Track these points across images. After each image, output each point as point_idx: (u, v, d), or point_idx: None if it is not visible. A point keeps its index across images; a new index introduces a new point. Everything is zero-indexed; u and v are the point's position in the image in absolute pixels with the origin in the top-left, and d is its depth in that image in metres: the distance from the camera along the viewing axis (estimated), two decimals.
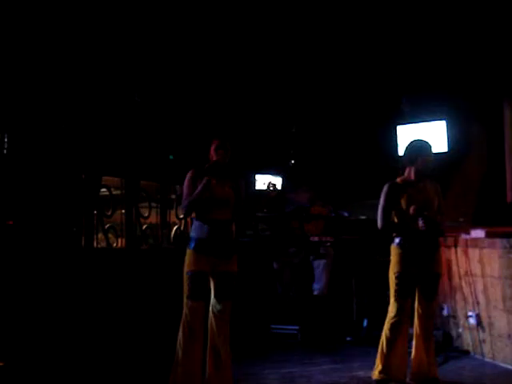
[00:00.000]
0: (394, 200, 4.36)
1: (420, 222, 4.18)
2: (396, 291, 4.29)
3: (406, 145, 4.48)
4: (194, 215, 4.16)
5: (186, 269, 4.05)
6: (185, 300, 4.02)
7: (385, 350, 4.32)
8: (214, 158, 4.14)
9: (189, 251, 4.06)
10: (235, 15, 6.21)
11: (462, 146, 7.05)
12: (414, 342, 4.40)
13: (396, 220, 4.37)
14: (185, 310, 4.02)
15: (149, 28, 5.78)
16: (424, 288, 4.34)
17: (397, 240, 4.35)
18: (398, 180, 4.43)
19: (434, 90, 6.98)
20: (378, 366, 4.35)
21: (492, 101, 6.96)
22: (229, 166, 4.18)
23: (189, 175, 4.15)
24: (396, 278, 4.30)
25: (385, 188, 4.40)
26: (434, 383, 4.34)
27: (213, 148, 4.15)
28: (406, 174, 4.43)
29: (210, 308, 4.10)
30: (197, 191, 4.03)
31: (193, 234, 4.11)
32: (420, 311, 4.36)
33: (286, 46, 6.78)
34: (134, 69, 5.82)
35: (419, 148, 4.41)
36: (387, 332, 4.32)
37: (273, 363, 5.25)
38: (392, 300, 4.32)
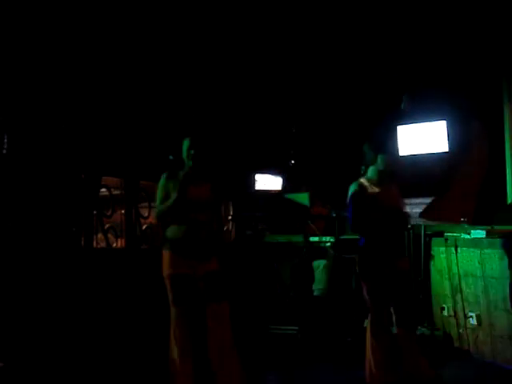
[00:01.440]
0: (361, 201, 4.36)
1: None
2: (369, 292, 4.26)
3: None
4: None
5: (164, 273, 3.91)
6: (170, 306, 3.90)
7: (370, 354, 4.28)
8: (187, 160, 4.02)
9: (165, 253, 3.92)
10: (236, 15, 6.21)
11: (463, 146, 7.04)
12: (398, 344, 4.34)
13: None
14: (171, 316, 3.90)
15: (148, 28, 5.78)
16: (396, 288, 4.30)
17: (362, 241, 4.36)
18: (362, 180, 4.43)
19: (435, 90, 6.97)
20: (368, 370, 4.32)
21: (492, 101, 6.96)
22: (204, 166, 4.07)
23: (161, 180, 4.04)
24: (367, 279, 4.28)
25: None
26: (428, 379, 4.32)
27: (184, 149, 4.04)
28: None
29: (206, 312, 3.98)
30: (166, 205, 3.91)
31: (169, 234, 3.98)
32: (398, 310, 4.32)
33: (286, 46, 6.78)
34: (133, 69, 5.81)
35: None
36: (369, 334, 4.29)
37: (273, 364, 5.25)
38: (368, 302, 4.30)
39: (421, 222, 5.79)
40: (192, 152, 4.02)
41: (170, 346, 3.97)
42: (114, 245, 5.82)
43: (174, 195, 3.92)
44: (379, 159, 4.36)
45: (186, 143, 4.08)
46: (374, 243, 4.27)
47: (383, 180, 4.37)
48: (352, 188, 4.40)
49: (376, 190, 4.33)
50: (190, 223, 3.92)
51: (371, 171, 4.41)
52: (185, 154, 4.07)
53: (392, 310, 4.31)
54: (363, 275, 4.30)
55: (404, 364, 4.33)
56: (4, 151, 4.72)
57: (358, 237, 4.42)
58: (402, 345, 4.31)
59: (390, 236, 4.28)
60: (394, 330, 4.37)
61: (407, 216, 4.43)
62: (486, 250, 5.02)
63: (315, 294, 6.40)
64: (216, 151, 4.42)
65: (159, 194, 4.04)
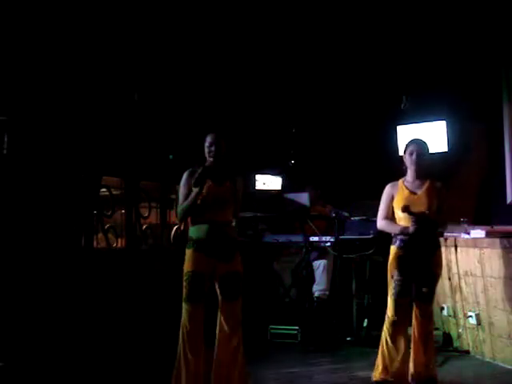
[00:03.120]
0: (391, 200, 4.37)
1: (411, 222, 4.19)
2: (393, 291, 4.29)
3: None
4: (189, 218, 4.07)
5: (184, 270, 3.97)
6: (183, 303, 3.94)
7: (385, 351, 4.31)
8: (207, 156, 4.03)
9: (188, 251, 3.98)
10: (236, 16, 6.22)
11: (462, 146, 7.05)
12: (412, 343, 4.37)
13: (396, 221, 4.37)
14: (183, 314, 3.94)
15: (148, 28, 5.79)
16: (421, 288, 4.32)
17: (394, 240, 4.36)
18: (399, 180, 4.43)
19: (435, 90, 6.98)
20: (378, 367, 4.34)
21: (492, 101, 6.97)
22: (224, 164, 4.08)
23: (184, 177, 4.05)
24: (392, 277, 4.30)
25: (385, 189, 4.44)
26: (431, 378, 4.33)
27: (205, 145, 4.03)
28: (407, 174, 4.44)
29: (219, 311, 4.02)
30: (188, 201, 3.95)
31: (192, 234, 4.02)
32: (418, 312, 4.34)
33: (286, 46, 6.78)
34: (133, 69, 5.82)
35: (405, 147, 4.43)
36: (386, 332, 4.32)
37: (273, 363, 5.25)
38: (389, 300, 4.31)
39: None
40: (213, 149, 4.01)
41: (179, 344, 3.97)
42: (114, 245, 5.83)
43: (191, 196, 3.94)
44: (405, 158, 4.39)
45: (206, 139, 4.06)
46: (407, 243, 4.27)
47: (418, 179, 4.36)
48: (385, 189, 4.44)
49: (407, 190, 4.34)
50: (212, 223, 3.96)
51: (408, 171, 4.41)
52: (205, 151, 4.05)
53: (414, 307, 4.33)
54: (393, 271, 4.30)
55: (412, 366, 4.34)
56: (4, 151, 4.73)
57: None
58: (416, 345, 4.33)
59: (422, 237, 4.27)
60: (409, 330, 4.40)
61: (439, 221, 4.39)
62: (485, 250, 5.02)
63: (315, 294, 6.40)
64: (234, 150, 4.40)
65: (182, 191, 4.04)
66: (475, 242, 5.17)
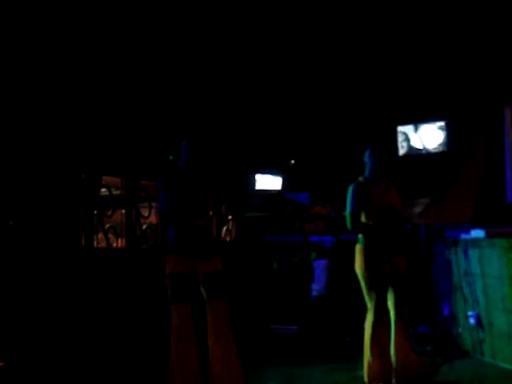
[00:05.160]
0: (361, 199, 4.38)
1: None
2: (368, 291, 4.29)
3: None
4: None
5: (166, 271, 4.03)
6: (171, 305, 4.00)
7: (368, 352, 4.30)
8: (188, 159, 4.08)
9: (168, 254, 4.06)
10: (235, 16, 6.22)
11: (462, 147, 7.05)
12: (392, 343, 4.35)
13: (363, 219, 4.38)
14: (172, 315, 3.99)
15: (149, 29, 5.79)
16: (394, 289, 4.34)
17: (361, 239, 4.37)
18: (361, 179, 4.46)
19: (435, 90, 6.98)
20: (364, 368, 4.33)
21: (492, 100, 6.97)
22: (204, 168, 4.13)
23: (162, 180, 4.10)
24: (364, 277, 4.30)
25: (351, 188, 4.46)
26: (421, 380, 4.33)
27: (185, 149, 4.10)
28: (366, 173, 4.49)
29: (206, 311, 4.07)
30: (169, 203, 3.99)
31: (170, 235, 4.09)
32: (394, 311, 4.35)
33: (286, 45, 6.78)
34: (134, 69, 5.82)
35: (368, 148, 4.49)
36: (367, 334, 4.31)
37: (273, 363, 5.25)
38: (368, 303, 4.32)
39: (421, 221, 5.79)
40: (192, 153, 4.06)
41: (171, 345, 4.02)
42: (115, 245, 5.83)
43: (174, 194, 3.98)
44: (373, 158, 4.41)
45: (185, 144, 4.11)
46: (372, 241, 4.29)
47: (379, 179, 4.40)
48: (351, 186, 4.42)
49: (373, 188, 4.36)
50: (190, 224, 4.01)
51: (368, 170, 4.44)
52: (185, 155, 4.10)
53: (390, 306, 4.34)
54: (362, 269, 4.31)
55: (397, 360, 4.34)
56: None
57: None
58: (396, 341, 4.34)
59: (388, 234, 4.29)
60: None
61: (403, 215, 4.44)
62: (485, 250, 5.02)
63: (315, 293, 6.41)
64: (216, 152, 4.44)
65: (161, 194, 4.09)
66: (475, 242, 5.17)
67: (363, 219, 4.38)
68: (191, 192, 4.02)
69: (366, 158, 4.48)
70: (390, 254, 4.31)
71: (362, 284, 4.33)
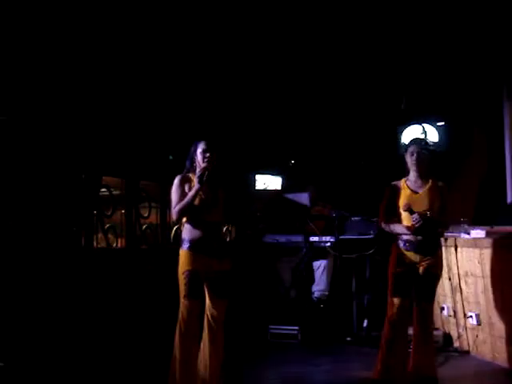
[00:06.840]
0: (392, 200, 4.37)
1: (413, 220, 4.19)
2: (393, 290, 4.29)
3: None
4: (185, 218, 4.14)
5: (181, 269, 4.06)
6: (181, 300, 4.03)
7: (384, 350, 4.31)
8: (201, 161, 4.10)
9: (182, 252, 4.08)
10: (236, 17, 6.22)
11: (463, 146, 7.05)
12: (412, 343, 4.37)
13: (398, 220, 4.38)
14: (181, 310, 4.02)
15: (149, 30, 5.78)
16: (421, 288, 4.32)
17: (397, 240, 4.36)
18: (401, 180, 4.44)
19: (435, 90, 6.98)
20: (378, 366, 4.34)
21: (492, 100, 6.97)
22: (218, 168, 4.15)
23: (176, 181, 4.13)
24: (393, 276, 4.31)
25: (386, 188, 4.45)
26: (432, 383, 4.33)
27: (198, 151, 4.12)
28: (409, 174, 4.45)
29: (206, 308, 4.10)
30: (187, 199, 4.03)
31: (185, 235, 4.12)
32: (418, 312, 4.33)
33: (286, 45, 6.78)
34: (134, 69, 5.82)
35: (406, 147, 4.47)
36: (386, 332, 4.32)
37: (273, 363, 5.25)
38: (389, 299, 4.32)
39: None
40: (208, 155, 4.09)
41: (174, 343, 4.03)
42: (114, 245, 5.83)
43: (191, 193, 4.03)
44: (406, 158, 4.42)
45: (199, 146, 4.13)
46: (407, 242, 4.30)
47: (420, 179, 4.39)
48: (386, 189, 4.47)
49: (408, 189, 4.36)
50: (205, 225, 4.07)
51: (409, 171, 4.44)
52: (199, 157, 4.12)
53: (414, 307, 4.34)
54: (394, 270, 4.32)
55: (411, 365, 4.33)
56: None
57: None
58: (416, 345, 4.32)
59: (423, 237, 4.28)
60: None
61: (441, 221, 4.39)
62: (485, 250, 5.02)
63: (315, 294, 6.40)
64: (228, 153, 4.47)
65: (174, 195, 4.11)
66: (475, 242, 5.16)
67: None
68: (205, 192, 4.06)
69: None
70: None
71: (389, 281, 4.34)
